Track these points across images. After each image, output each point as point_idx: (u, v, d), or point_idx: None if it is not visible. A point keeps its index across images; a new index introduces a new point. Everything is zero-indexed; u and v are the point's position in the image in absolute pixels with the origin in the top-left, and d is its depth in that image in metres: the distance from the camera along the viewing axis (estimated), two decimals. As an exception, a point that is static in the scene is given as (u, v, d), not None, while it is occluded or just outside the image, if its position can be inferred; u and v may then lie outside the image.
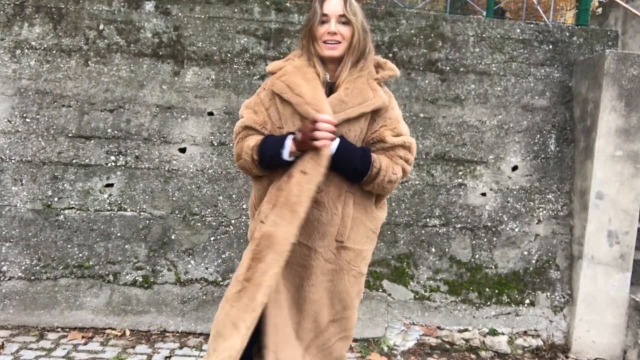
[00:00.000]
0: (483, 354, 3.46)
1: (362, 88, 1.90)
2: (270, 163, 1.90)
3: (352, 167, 1.88)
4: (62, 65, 3.43)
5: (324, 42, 1.90)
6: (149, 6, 3.48)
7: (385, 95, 1.94)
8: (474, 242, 3.57)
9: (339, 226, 1.92)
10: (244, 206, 3.46)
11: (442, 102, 3.59)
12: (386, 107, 1.94)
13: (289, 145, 1.84)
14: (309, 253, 1.92)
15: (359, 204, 1.97)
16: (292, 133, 1.86)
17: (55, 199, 3.40)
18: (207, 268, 3.45)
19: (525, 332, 3.53)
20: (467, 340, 3.50)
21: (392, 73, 2.00)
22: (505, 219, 3.59)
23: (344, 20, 1.89)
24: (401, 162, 1.96)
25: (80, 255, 3.39)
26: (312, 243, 1.92)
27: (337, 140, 1.85)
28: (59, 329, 3.35)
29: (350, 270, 1.97)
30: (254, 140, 1.92)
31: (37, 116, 3.41)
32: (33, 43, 3.43)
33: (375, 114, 1.93)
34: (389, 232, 3.52)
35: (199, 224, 3.45)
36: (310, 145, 1.80)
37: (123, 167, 3.44)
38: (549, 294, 3.56)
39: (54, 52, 3.44)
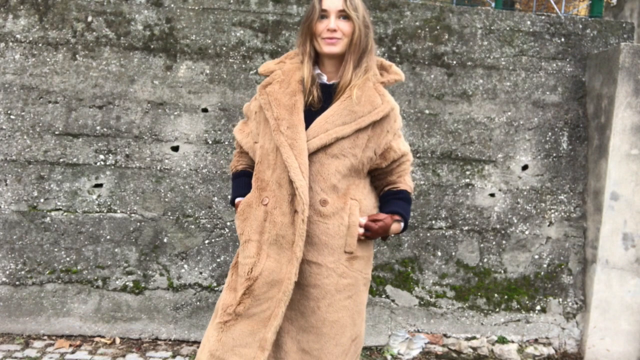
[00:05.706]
0: (491, 363, 3.34)
1: (370, 94, 1.84)
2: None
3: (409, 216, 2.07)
4: (48, 60, 3.28)
5: (323, 38, 1.82)
6: (140, -3, 3.33)
7: (392, 102, 1.90)
8: (482, 245, 3.43)
9: (347, 237, 1.82)
10: (240, 207, 3.33)
11: (449, 98, 3.44)
12: (394, 115, 1.90)
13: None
14: (319, 271, 1.79)
15: (365, 211, 1.89)
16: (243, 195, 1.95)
17: (42, 200, 3.25)
18: (201, 273, 3.31)
19: (536, 340, 3.41)
20: (474, 349, 3.37)
21: (397, 77, 1.95)
22: (515, 221, 3.45)
23: (344, 15, 1.81)
24: (410, 167, 2.03)
25: (68, 259, 3.25)
26: (323, 259, 1.79)
27: (399, 223, 1.99)
28: (45, 337, 3.22)
29: (362, 278, 1.90)
30: (236, 181, 2.07)
31: (22, 113, 3.26)
32: (18, 36, 3.27)
33: (381, 119, 1.86)
34: (392, 235, 3.37)
35: (192, 227, 3.31)
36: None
37: (113, 167, 3.30)
38: (561, 299, 3.42)
39: (40, 45, 3.28)
